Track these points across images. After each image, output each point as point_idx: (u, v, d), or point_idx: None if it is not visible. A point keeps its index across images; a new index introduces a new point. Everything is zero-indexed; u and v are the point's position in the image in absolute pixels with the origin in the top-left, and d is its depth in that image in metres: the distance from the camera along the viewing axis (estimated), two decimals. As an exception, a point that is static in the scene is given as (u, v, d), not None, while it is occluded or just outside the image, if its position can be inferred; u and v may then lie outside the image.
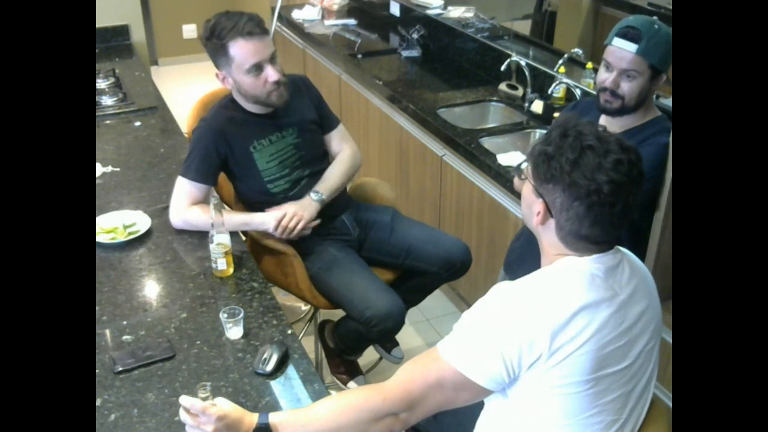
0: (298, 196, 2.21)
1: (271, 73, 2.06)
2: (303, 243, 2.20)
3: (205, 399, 1.34)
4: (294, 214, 2.12)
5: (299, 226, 2.12)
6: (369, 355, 2.59)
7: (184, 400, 1.34)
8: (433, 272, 2.33)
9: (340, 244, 2.29)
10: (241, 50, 2.03)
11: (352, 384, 2.45)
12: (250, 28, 2.03)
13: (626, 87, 1.85)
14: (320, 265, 2.21)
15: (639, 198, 1.27)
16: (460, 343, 1.27)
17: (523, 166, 1.35)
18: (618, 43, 1.84)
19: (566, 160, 1.22)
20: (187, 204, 2.10)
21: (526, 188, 1.34)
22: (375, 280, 2.20)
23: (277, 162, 2.19)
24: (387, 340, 2.48)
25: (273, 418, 1.35)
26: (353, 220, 2.34)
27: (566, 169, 1.22)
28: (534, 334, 1.21)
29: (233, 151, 2.14)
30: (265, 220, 2.12)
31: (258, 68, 2.05)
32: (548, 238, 1.31)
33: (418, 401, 1.28)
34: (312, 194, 2.20)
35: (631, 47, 1.82)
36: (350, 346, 2.38)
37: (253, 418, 1.35)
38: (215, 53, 2.07)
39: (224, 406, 1.36)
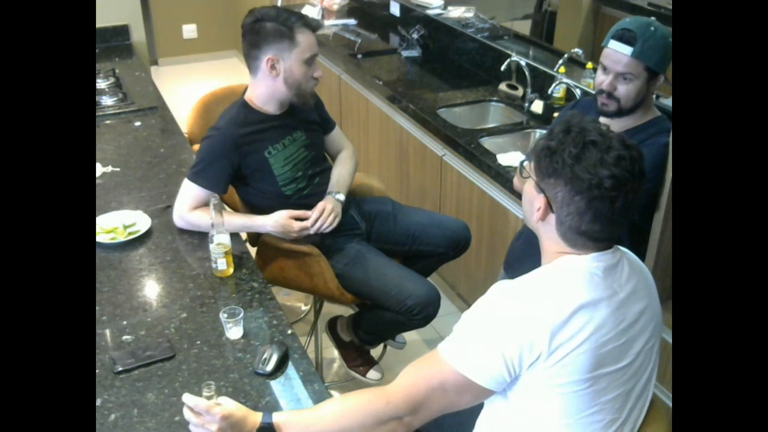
0: (312, 194, 2.24)
1: (318, 69, 2.17)
2: (322, 243, 2.23)
3: (209, 398, 1.35)
4: (333, 209, 2.19)
5: (336, 222, 2.19)
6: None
7: (188, 398, 1.34)
8: (441, 253, 2.41)
9: (356, 238, 2.32)
10: (307, 39, 2.11)
11: (371, 373, 2.49)
12: (315, 23, 2.16)
13: (622, 90, 1.85)
14: (345, 261, 2.23)
15: (640, 197, 1.27)
16: (460, 344, 1.27)
17: (525, 164, 1.36)
18: (613, 45, 1.84)
19: (569, 155, 1.23)
20: (192, 207, 2.11)
21: (528, 186, 1.34)
22: (405, 269, 2.26)
23: (291, 165, 2.21)
24: (424, 326, 2.52)
25: (276, 417, 1.35)
26: (359, 214, 2.37)
27: (568, 163, 1.22)
28: (533, 333, 1.21)
29: (246, 160, 2.15)
30: (266, 223, 2.13)
31: (313, 60, 2.14)
32: (548, 234, 1.31)
33: (421, 404, 1.28)
34: (334, 195, 2.25)
35: (626, 50, 1.82)
36: (381, 336, 2.45)
37: (256, 418, 1.35)
38: (275, 37, 2.08)
39: (228, 405, 1.36)
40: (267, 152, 2.17)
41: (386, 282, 2.17)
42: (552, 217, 1.29)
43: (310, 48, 2.11)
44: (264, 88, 2.16)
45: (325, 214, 2.16)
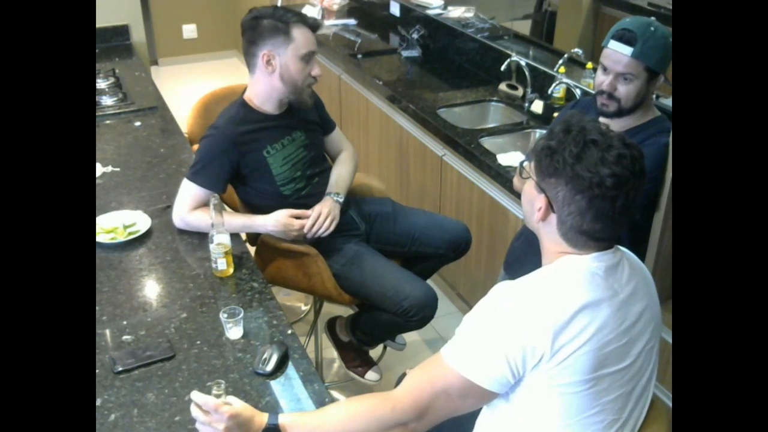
0: (311, 194, 2.24)
1: (316, 68, 2.16)
2: (320, 243, 2.22)
3: (218, 396, 1.35)
4: (329, 212, 2.18)
5: (333, 226, 2.19)
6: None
7: (197, 396, 1.34)
8: (440, 254, 2.41)
9: (355, 239, 2.32)
10: (304, 36, 2.11)
11: (370, 374, 2.48)
12: (313, 21, 2.15)
13: (623, 90, 1.86)
14: (343, 261, 2.23)
15: (640, 196, 1.27)
16: (463, 347, 1.27)
17: (524, 164, 1.36)
18: (613, 46, 1.84)
19: (569, 154, 1.23)
20: (191, 207, 2.11)
21: (528, 186, 1.34)
22: (403, 270, 2.26)
23: (290, 165, 2.22)
24: (421, 328, 2.53)
25: (282, 419, 1.35)
26: (358, 214, 2.37)
27: (569, 162, 1.22)
28: (536, 334, 1.20)
29: (245, 159, 2.15)
30: (267, 222, 2.13)
31: (310, 57, 2.13)
32: (549, 234, 1.31)
33: (426, 410, 1.28)
34: (333, 196, 2.25)
35: (626, 50, 1.82)
36: (378, 338, 2.45)
37: (263, 418, 1.35)
38: (271, 33, 2.09)
39: (236, 404, 1.36)
40: (266, 151, 2.17)
41: (383, 283, 2.17)
42: (553, 217, 1.29)
43: (307, 45, 2.11)
44: (261, 86, 2.16)
45: (321, 218, 2.16)
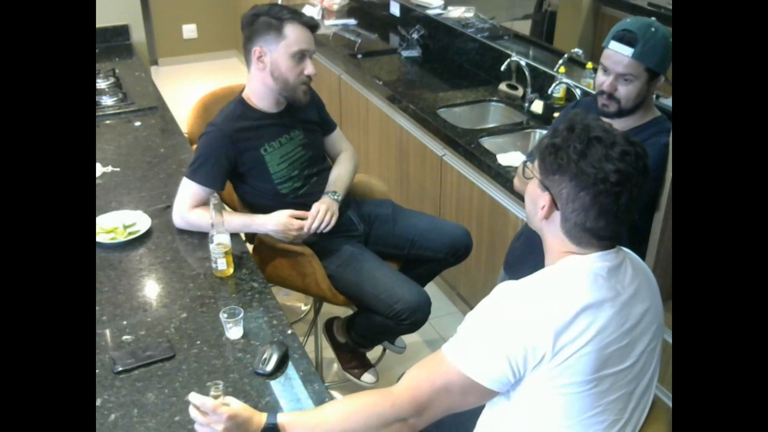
0: (309, 194, 2.24)
1: (309, 67, 2.14)
2: (317, 244, 2.22)
3: (216, 397, 1.34)
4: (328, 208, 2.18)
5: (333, 220, 2.19)
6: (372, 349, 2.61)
7: (195, 397, 1.34)
8: (440, 258, 2.40)
9: (351, 240, 2.31)
10: (296, 33, 2.10)
11: (366, 376, 2.48)
12: (309, 20, 2.14)
13: (623, 90, 1.86)
14: (338, 263, 2.23)
15: (643, 194, 1.27)
16: (464, 345, 1.27)
17: (527, 164, 1.36)
18: (614, 46, 1.84)
19: (574, 150, 1.23)
20: (191, 206, 2.11)
21: (531, 185, 1.34)
22: (397, 273, 2.25)
23: (287, 164, 2.21)
24: (413, 332, 2.52)
25: (281, 418, 1.35)
26: (357, 215, 2.36)
27: (573, 159, 1.23)
28: (538, 334, 1.21)
29: (243, 156, 2.15)
30: (267, 222, 2.13)
31: (302, 56, 2.12)
32: (553, 233, 1.31)
33: (426, 406, 1.28)
34: (331, 195, 2.25)
35: (627, 51, 1.82)
36: (372, 340, 2.44)
37: (261, 418, 1.35)
38: (264, 29, 2.09)
39: (234, 405, 1.36)
40: (263, 149, 2.17)
41: (376, 285, 2.16)
42: (557, 215, 1.29)
43: (299, 42, 2.10)
44: (256, 83, 2.17)
45: (320, 215, 2.16)
